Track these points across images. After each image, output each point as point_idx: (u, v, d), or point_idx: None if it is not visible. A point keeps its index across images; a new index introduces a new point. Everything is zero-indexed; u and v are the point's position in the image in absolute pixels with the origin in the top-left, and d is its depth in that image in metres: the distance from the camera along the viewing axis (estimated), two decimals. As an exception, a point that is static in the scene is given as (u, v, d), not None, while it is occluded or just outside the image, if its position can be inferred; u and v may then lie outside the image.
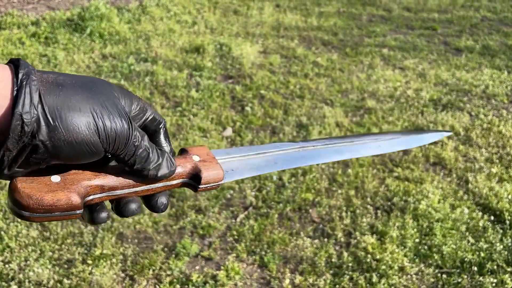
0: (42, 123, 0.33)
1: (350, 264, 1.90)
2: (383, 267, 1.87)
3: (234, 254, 1.99)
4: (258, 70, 3.72)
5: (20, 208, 0.35)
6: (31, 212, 0.35)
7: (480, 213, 2.15)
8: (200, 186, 0.48)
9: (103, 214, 0.41)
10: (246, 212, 2.23)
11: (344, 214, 2.16)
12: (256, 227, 2.12)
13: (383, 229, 2.06)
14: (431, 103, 3.21)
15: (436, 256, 1.91)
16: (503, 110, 3.10)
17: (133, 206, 0.43)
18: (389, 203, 2.25)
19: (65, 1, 5.91)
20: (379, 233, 2.06)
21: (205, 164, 0.47)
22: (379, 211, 2.19)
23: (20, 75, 0.33)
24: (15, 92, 0.32)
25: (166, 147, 0.46)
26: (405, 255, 1.93)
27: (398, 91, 3.35)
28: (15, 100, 0.32)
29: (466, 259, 1.90)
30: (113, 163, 0.45)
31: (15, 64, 0.34)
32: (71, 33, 4.43)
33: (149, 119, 0.45)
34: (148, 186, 0.43)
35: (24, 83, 0.32)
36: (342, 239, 2.05)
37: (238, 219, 2.19)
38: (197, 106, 3.13)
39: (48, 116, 0.33)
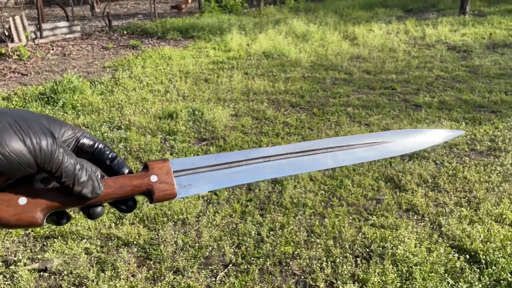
0: None
1: (334, 314, 1.87)
2: (368, 314, 1.85)
3: (216, 313, 1.93)
4: (231, 132, 3.82)
5: None
6: (1, 227, 0.44)
7: (456, 255, 2.19)
8: (152, 203, 0.53)
9: (64, 221, 0.50)
10: (226, 270, 2.20)
11: (324, 264, 2.16)
12: (237, 284, 2.08)
13: (364, 276, 2.06)
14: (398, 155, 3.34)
15: (418, 300, 1.91)
16: (465, 158, 3.26)
17: (98, 209, 0.51)
18: (367, 250, 2.26)
19: (37, 76, 6.01)
20: (360, 281, 2.05)
21: (160, 186, 0.51)
22: (358, 259, 2.20)
23: None
24: None
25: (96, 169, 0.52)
26: (388, 301, 1.92)
27: (366, 145, 3.49)
28: None
29: (448, 300, 1.90)
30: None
31: None
32: (43, 105, 4.47)
33: (85, 142, 0.51)
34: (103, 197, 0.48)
35: None
36: (325, 290, 2.03)
37: (218, 278, 2.15)
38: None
39: None
